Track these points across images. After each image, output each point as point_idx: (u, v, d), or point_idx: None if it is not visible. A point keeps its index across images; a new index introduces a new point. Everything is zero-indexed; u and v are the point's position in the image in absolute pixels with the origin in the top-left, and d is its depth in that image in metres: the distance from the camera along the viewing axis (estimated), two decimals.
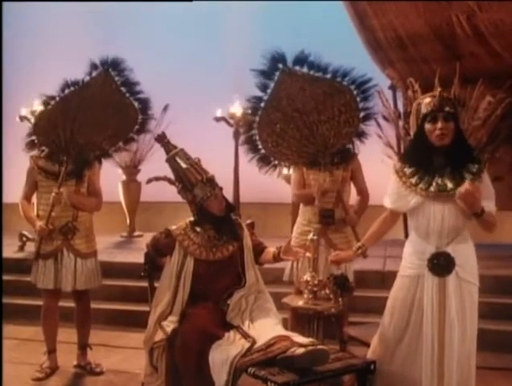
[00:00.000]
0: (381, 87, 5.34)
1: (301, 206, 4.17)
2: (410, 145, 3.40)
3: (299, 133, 3.99)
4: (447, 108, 2.93)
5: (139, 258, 3.74)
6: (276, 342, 2.97)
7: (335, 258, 3.42)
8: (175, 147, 3.55)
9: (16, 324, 5.03)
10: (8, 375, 3.77)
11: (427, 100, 2.99)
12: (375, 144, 4.91)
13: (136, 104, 4.19)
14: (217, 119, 7.90)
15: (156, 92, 4.34)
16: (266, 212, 8.37)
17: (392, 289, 3.12)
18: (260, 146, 4.07)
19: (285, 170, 4.47)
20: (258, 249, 3.55)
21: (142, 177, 7.84)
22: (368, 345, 3.25)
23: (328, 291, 3.42)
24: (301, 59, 3.94)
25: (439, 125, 2.90)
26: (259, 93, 4.00)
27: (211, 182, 3.47)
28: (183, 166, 3.47)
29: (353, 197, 4.17)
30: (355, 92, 3.97)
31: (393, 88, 6.78)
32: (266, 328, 3.14)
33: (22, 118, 7.32)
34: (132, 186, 8.07)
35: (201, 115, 8.04)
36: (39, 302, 4.22)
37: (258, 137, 4.05)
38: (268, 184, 4.73)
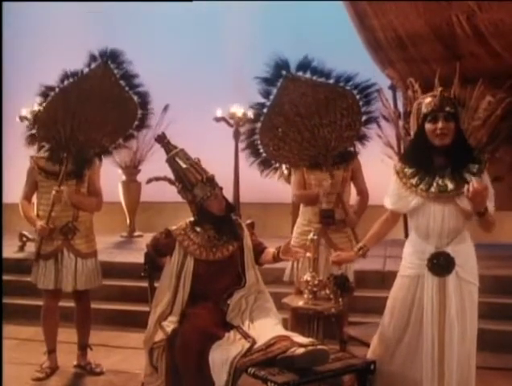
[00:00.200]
0: (381, 87, 5.34)
1: (301, 206, 4.18)
2: (410, 145, 3.40)
3: (301, 135, 4.01)
4: (447, 108, 2.93)
5: (139, 258, 3.74)
6: (276, 342, 2.97)
7: (336, 259, 3.42)
8: (175, 147, 3.55)
9: (16, 324, 5.03)
10: (8, 375, 3.77)
11: (428, 99, 2.99)
12: (375, 144, 4.91)
13: (135, 98, 4.17)
14: (217, 119, 7.92)
15: (156, 92, 4.34)
16: (266, 212, 8.38)
17: (392, 289, 3.12)
18: (261, 150, 4.09)
19: (285, 171, 4.49)
20: (258, 250, 3.55)
21: (142, 177, 7.84)
22: (368, 345, 3.25)
23: (328, 291, 3.42)
24: (304, 65, 3.97)
25: (440, 124, 2.90)
26: (261, 98, 4.03)
27: (211, 181, 3.47)
28: (183, 166, 3.47)
29: (352, 197, 4.18)
30: (357, 97, 3.98)
31: (393, 88, 6.78)
32: (266, 328, 3.14)
33: (22, 118, 7.32)
34: (132, 186, 8.08)
35: (201, 115, 8.04)
36: (39, 302, 4.22)
37: (259, 142, 4.08)
38: (268, 184, 4.73)
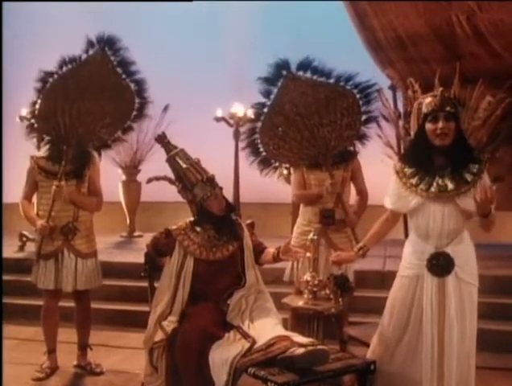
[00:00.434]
0: (381, 86, 5.34)
1: (301, 206, 4.18)
2: (410, 145, 3.40)
3: (300, 134, 4.01)
4: (448, 108, 2.93)
5: (139, 258, 3.74)
6: (276, 342, 2.97)
7: (336, 259, 3.42)
8: (175, 147, 3.55)
9: (16, 324, 5.03)
10: (8, 375, 3.77)
11: (428, 99, 2.99)
12: (375, 144, 4.91)
13: (132, 85, 4.15)
14: (217, 119, 7.92)
15: (156, 92, 4.34)
16: (266, 212, 8.38)
17: (392, 289, 3.12)
18: (261, 149, 4.10)
19: (285, 171, 4.49)
20: (258, 250, 3.55)
21: (142, 177, 7.84)
22: (368, 345, 3.25)
23: (328, 291, 3.43)
24: (305, 65, 3.98)
25: (440, 124, 2.90)
26: (261, 98, 4.04)
27: (211, 181, 3.47)
28: (183, 165, 3.47)
29: (352, 197, 4.18)
30: (358, 96, 3.99)
31: (393, 88, 6.77)
32: (266, 328, 3.14)
33: (22, 118, 7.32)
34: (132, 186, 8.08)
35: (201, 115, 8.05)
36: (39, 302, 4.22)
37: (259, 141, 4.09)
38: (268, 184, 4.73)
